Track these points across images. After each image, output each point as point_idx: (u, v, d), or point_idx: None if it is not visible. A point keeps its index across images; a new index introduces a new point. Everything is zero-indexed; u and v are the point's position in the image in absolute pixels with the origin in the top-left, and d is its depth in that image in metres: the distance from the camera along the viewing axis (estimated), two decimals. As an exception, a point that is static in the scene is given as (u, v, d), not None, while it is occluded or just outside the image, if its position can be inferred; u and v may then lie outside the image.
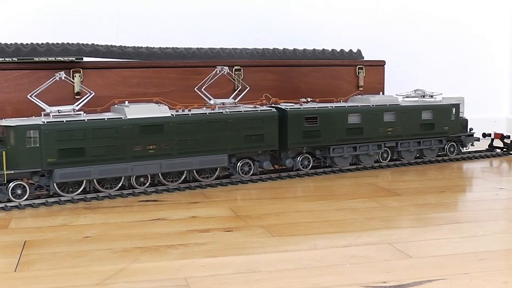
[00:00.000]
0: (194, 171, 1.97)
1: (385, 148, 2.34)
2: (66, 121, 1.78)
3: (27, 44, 2.29)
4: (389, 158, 2.36)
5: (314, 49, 2.70)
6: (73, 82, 1.93)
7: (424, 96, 2.52)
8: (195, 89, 2.06)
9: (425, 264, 1.24)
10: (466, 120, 2.57)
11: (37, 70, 2.19)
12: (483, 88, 3.30)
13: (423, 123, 2.40)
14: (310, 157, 2.18)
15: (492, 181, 2.11)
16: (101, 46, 2.40)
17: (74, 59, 2.20)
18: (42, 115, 1.80)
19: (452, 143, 2.52)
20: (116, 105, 1.95)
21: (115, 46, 2.44)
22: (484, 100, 3.30)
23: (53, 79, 1.84)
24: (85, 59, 2.26)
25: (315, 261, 1.27)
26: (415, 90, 2.55)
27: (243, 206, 1.75)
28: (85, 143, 1.79)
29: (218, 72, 2.07)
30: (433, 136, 2.44)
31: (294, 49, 2.67)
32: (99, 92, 2.12)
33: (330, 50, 2.72)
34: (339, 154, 2.22)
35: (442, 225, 1.55)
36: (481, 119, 3.22)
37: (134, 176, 1.88)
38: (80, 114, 1.82)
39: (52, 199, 1.78)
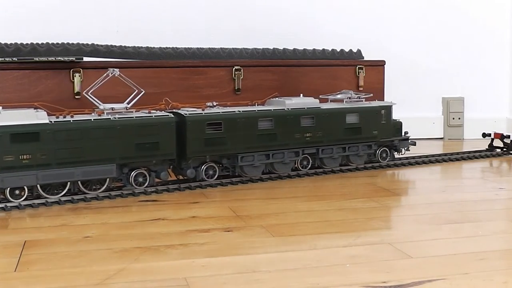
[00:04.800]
0: (79, 182, 1.81)
1: (304, 155, 2.16)
2: None
3: (27, 44, 2.29)
4: (309, 165, 2.19)
5: (314, 49, 2.70)
6: None
7: (351, 98, 2.31)
8: (84, 92, 1.92)
9: (425, 264, 1.24)
10: (400, 123, 2.38)
11: (37, 70, 2.19)
12: (483, 88, 3.30)
13: (348, 127, 2.21)
14: (216, 166, 2.01)
15: (492, 181, 2.11)
16: (101, 46, 2.40)
17: (74, 59, 2.20)
18: None
19: (385, 148, 2.34)
20: None
21: (115, 46, 2.44)
22: (484, 100, 3.30)
23: None
24: (85, 59, 2.26)
25: (315, 261, 1.27)
26: (342, 92, 2.37)
27: (243, 206, 1.74)
28: None
29: (109, 74, 1.94)
30: (360, 141, 2.25)
31: (294, 49, 2.67)
32: (99, 92, 2.11)
33: (330, 50, 2.72)
34: (249, 162, 2.04)
35: (442, 225, 1.55)
36: (481, 119, 3.23)
37: (8, 189, 1.72)
38: None
39: (52, 199, 1.78)
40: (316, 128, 2.15)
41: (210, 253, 1.32)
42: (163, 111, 1.98)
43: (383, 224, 1.57)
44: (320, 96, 2.30)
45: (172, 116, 1.94)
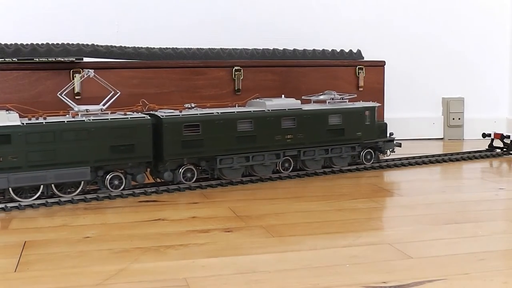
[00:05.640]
0: (52, 185, 1.77)
1: (286, 157, 2.12)
2: None
3: (27, 44, 2.29)
4: (291, 168, 2.15)
5: (314, 49, 2.70)
6: None
7: (334, 99, 2.26)
8: (58, 94, 1.89)
9: (425, 264, 1.24)
10: (385, 124, 2.35)
11: (37, 71, 2.19)
12: (483, 88, 3.30)
13: (331, 129, 2.17)
14: (194, 169, 1.97)
15: (492, 181, 2.11)
16: (101, 46, 2.40)
17: (74, 59, 2.20)
18: None
19: (369, 150, 2.30)
20: None
21: (115, 46, 2.44)
22: (484, 100, 3.30)
23: None
24: (85, 59, 2.26)
25: (315, 261, 1.27)
26: (325, 93, 2.30)
27: (243, 206, 1.75)
28: None
29: (84, 75, 1.92)
30: (343, 143, 2.21)
31: (294, 49, 2.68)
32: (99, 93, 2.12)
33: (330, 50, 2.72)
34: (228, 165, 2.00)
35: (442, 225, 1.55)
36: (481, 119, 3.23)
37: None
38: None
39: (52, 200, 1.78)
40: (297, 130, 2.11)
41: (210, 253, 1.32)
42: (139, 113, 1.95)
43: (383, 224, 1.57)
44: (303, 97, 2.27)
45: (148, 118, 1.90)
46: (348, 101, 2.28)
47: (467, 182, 2.15)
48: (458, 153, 2.59)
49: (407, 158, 2.43)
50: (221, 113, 2.00)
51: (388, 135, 2.36)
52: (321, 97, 2.28)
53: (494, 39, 3.31)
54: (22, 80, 2.18)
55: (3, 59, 2.13)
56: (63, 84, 2.20)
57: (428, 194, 1.91)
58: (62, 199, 1.79)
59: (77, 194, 1.81)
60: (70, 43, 2.35)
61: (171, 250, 1.35)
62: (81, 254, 1.32)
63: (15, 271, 1.22)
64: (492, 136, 2.71)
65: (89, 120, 1.81)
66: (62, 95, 1.88)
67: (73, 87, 2.21)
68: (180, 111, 1.97)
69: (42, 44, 2.32)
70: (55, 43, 2.34)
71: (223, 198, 1.86)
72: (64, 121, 1.78)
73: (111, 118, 1.84)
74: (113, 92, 1.90)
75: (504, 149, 2.66)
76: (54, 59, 2.18)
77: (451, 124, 3.23)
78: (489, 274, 1.18)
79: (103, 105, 1.87)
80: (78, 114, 1.83)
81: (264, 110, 2.08)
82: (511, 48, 3.33)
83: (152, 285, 1.14)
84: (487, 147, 2.72)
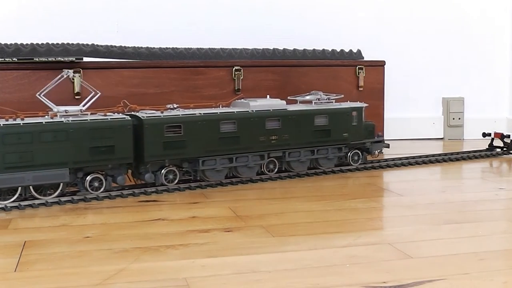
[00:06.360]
0: (30, 187, 1.74)
1: (271, 159, 2.10)
2: None
3: (27, 44, 2.29)
4: (276, 169, 2.13)
5: (314, 49, 2.70)
6: None
7: (320, 99, 2.23)
8: (37, 95, 1.86)
9: (425, 264, 1.24)
10: (373, 125, 2.31)
11: (37, 70, 2.20)
12: (483, 88, 3.30)
13: (317, 130, 2.15)
14: (176, 170, 1.94)
15: (492, 181, 2.11)
16: (101, 46, 2.40)
17: (74, 59, 2.20)
18: None
19: (356, 150, 2.27)
20: None
21: (115, 46, 2.44)
22: (484, 100, 3.30)
23: None
24: (85, 59, 2.26)
25: (315, 261, 1.27)
26: (311, 93, 2.26)
27: (243, 206, 1.75)
28: None
29: (64, 75, 1.90)
30: (329, 144, 2.19)
31: (294, 49, 2.68)
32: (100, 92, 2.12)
33: (330, 50, 2.72)
34: (211, 166, 1.98)
35: (442, 225, 1.55)
36: (481, 119, 3.23)
37: None
38: None
39: (52, 200, 1.78)
40: (282, 131, 2.09)
41: (210, 253, 1.32)
42: (120, 114, 1.92)
43: (383, 224, 1.57)
44: (289, 98, 2.25)
45: (129, 118, 1.87)
46: (335, 102, 2.26)
47: (467, 182, 2.15)
48: (458, 153, 2.59)
49: (407, 158, 2.43)
50: (203, 113, 1.98)
51: (376, 135, 2.33)
52: (307, 97, 2.25)
53: (494, 39, 3.31)
54: (22, 80, 2.19)
55: (3, 59, 2.13)
56: (63, 84, 2.20)
57: (428, 194, 1.91)
58: (62, 199, 1.79)
59: (56, 196, 1.79)
60: (70, 43, 2.35)
61: (171, 250, 1.35)
62: (81, 254, 1.32)
63: (15, 271, 1.22)
64: (492, 136, 2.71)
65: (68, 121, 1.79)
66: (41, 95, 1.86)
67: (73, 87, 2.21)
68: (162, 112, 1.95)
69: (42, 44, 2.32)
70: (55, 43, 2.34)
71: (223, 198, 1.86)
72: (42, 122, 1.75)
73: (90, 119, 1.82)
74: (93, 92, 1.88)
75: (504, 149, 2.66)
76: (54, 59, 2.18)
77: (451, 124, 3.23)
78: (489, 274, 1.18)
79: (83, 105, 1.85)
80: (57, 115, 1.80)
81: (248, 111, 2.05)
82: (511, 48, 3.33)
83: (152, 285, 1.14)
84: (487, 147, 2.72)
